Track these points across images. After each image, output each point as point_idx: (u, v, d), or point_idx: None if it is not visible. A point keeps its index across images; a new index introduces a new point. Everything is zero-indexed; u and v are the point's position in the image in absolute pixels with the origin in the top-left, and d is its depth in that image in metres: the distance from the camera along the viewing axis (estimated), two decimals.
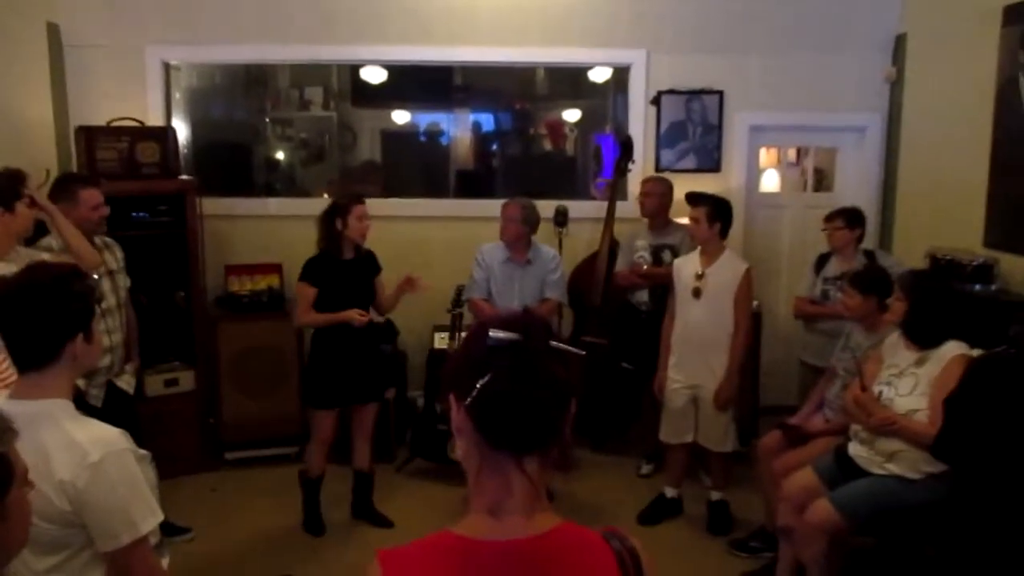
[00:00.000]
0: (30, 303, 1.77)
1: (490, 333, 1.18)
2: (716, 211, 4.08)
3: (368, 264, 4.20)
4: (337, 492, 4.55)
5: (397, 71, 6.16)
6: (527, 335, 1.18)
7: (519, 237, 4.46)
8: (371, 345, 4.21)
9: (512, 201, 4.53)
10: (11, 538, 1.31)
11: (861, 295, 3.62)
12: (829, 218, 4.50)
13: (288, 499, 4.52)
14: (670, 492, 4.40)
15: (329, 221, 4.05)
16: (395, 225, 5.48)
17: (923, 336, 3.19)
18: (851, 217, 4.45)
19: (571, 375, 1.20)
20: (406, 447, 5.07)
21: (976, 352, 3.06)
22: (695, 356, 4.15)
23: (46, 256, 3.25)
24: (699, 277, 4.10)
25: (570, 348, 1.21)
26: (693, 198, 4.23)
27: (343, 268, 4.06)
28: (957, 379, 3.03)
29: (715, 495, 4.33)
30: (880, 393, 3.22)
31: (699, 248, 4.20)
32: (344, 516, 4.35)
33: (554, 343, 1.20)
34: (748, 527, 4.14)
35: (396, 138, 8.31)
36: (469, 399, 1.16)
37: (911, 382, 3.15)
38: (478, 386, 1.15)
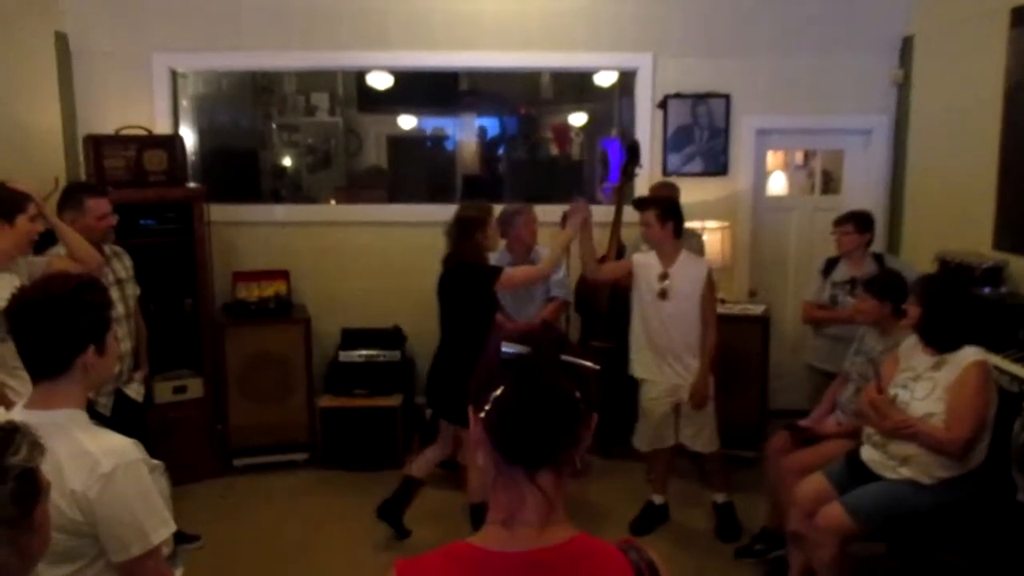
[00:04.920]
0: (42, 314, 1.77)
1: (502, 346, 1.18)
2: (665, 212, 4.06)
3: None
4: (346, 502, 4.57)
5: (403, 77, 6.18)
6: (537, 349, 1.19)
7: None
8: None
9: (523, 207, 4.52)
10: (35, 548, 1.35)
11: (876, 300, 3.61)
12: (839, 222, 4.48)
13: (297, 506, 4.54)
14: (657, 499, 4.36)
15: (468, 234, 3.96)
16: (401, 231, 5.49)
17: (939, 340, 3.18)
18: (861, 221, 4.43)
19: (587, 389, 1.20)
20: (413, 454, 5.06)
21: (993, 357, 3.05)
22: (671, 358, 4.10)
23: (43, 263, 3.26)
24: (663, 277, 4.08)
25: (583, 362, 1.21)
26: (641, 203, 4.25)
27: None
28: (974, 385, 3.02)
29: (720, 497, 4.30)
30: (896, 396, 3.20)
31: (655, 250, 4.15)
32: (357, 525, 4.34)
33: (566, 357, 1.20)
34: (755, 531, 4.11)
35: (402, 143, 8.35)
36: (483, 412, 1.17)
37: (928, 386, 3.13)
38: (491, 399, 1.16)
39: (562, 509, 1.22)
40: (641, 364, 4.19)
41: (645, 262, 4.18)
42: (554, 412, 1.16)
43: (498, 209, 4.64)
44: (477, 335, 3.80)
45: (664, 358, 4.12)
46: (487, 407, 1.17)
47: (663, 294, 4.08)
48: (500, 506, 1.21)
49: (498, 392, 1.16)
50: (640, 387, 4.23)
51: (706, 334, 4.08)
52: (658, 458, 4.31)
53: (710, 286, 4.10)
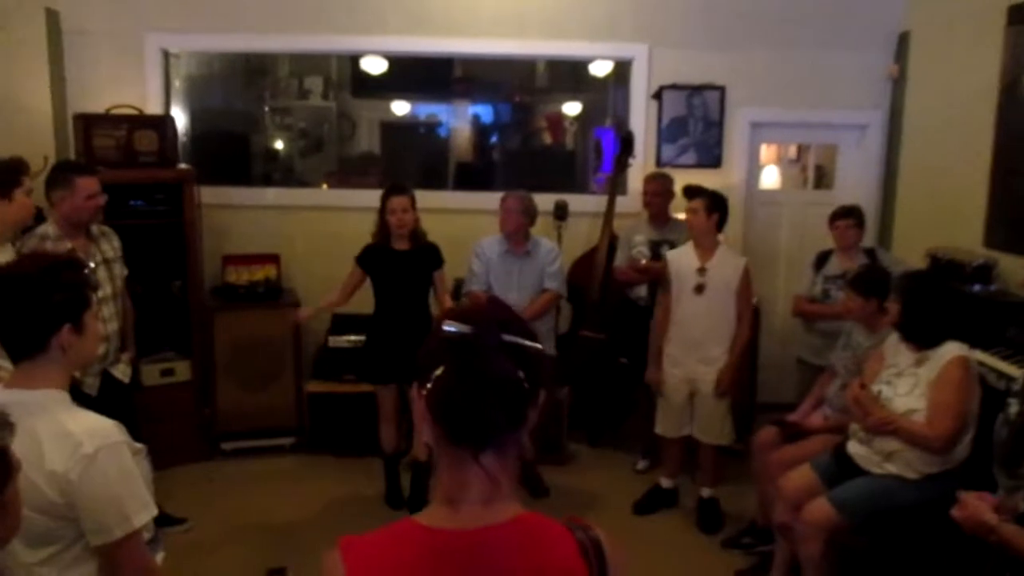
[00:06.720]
0: (12, 294, 1.75)
1: (444, 325, 1.17)
2: (714, 203, 4.09)
3: (426, 256, 4.35)
4: (333, 488, 4.57)
5: (397, 62, 6.13)
6: (479, 327, 1.17)
7: (519, 228, 4.46)
8: (426, 324, 4.22)
9: (511, 193, 4.53)
10: (6, 529, 1.34)
11: (862, 297, 3.61)
12: (840, 216, 4.45)
13: (283, 490, 4.53)
14: (666, 483, 4.43)
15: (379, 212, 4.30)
16: None
17: (919, 336, 3.18)
18: (861, 216, 4.45)
19: (533, 368, 1.17)
20: (405, 438, 5.05)
21: (976, 353, 3.05)
22: (693, 350, 4.17)
23: (33, 241, 3.24)
24: (701, 272, 4.10)
25: (527, 342, 1.18)
26: (691, 191, 4.26)
27: (395, 258, 4.27)
28: (955, 381, 3.03)
29: (706, 492, 4.33)
30: (879, 392, 3.21)
31: (692, 242, 4.19)
32: (343, 510, 4.34)
33: (507, 337, 1.17)
34: (742, 523, 4.13)
35: (395, 129, 8.30)
36: (425, 391, 1.16)
37: (910, 382, 3.15)
38: (432, 378, 1.15)
39: (508, 487, 1.21)
40: (666, 351, 4.26)
41: (679, 257, 4.23)
42: (494, 395, 1.14)
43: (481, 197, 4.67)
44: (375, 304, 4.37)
45: (690, 349, 4.17)
46: (429, 386, 1.16)
47: (699, 289, 4.10)
48: (445, 485, 1.20)
49: (438, 372, 1.15)
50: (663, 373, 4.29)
51: (739, 328, 4.13)
52: (673, 444, 4.35)
53: (747, 281, 4.13)
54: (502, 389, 1.15)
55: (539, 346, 1.20)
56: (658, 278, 4.66)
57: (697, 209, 4.09)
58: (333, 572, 1.18)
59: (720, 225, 4.14)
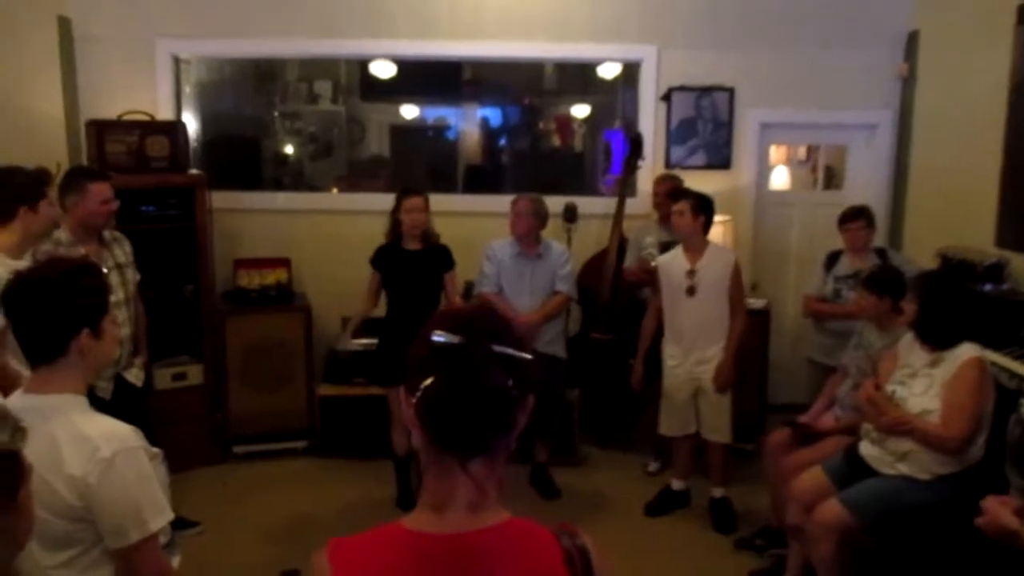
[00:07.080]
0: (34, 297, 1.77)
1: (432, 335, 1.17)
2: (700, 205, 4.10)
3: (437, 257, 4.37)
4: (345, 490, 4.58)
5: (406, 66, 6.15)
6: (470, 337, 1.17)
7: (530, 231, 4.47)
8: None
9: (522, 196, 4.55)
10: (21, 531, 1.34)
11: (875, 296, 3.61)
12: (851, 218, 4.44)
13: (295, 493, 4.55)
14: (677, 484, 4.42)
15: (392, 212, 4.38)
16: None
17: (936, 337, 3.17)
18: (870, 216, 4.44)
19: (522, 376, 1.18)
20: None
21: (988, 353, 3.04)
22: (693, 351, 4.18)
23: (46, 248, 3.26)
24: (691, 274, 4.11)
25: (518, 353, 1.19)
26: (677, 193, 4.29)
27: (406, 258, 4.32)
28: (970, 383, 3.03)
29: (717, 492, 4.33)
30: (893, 392, 3.20)
31: (681, 245, 4.21)
32: (355, 513, 4.35)
33: (498, 348, 1.17)
34: (756, 524, 4.13)
35: (404, 133, 8.32)
36: (415, 399, 1.17)
37: (925, 383, 3.14)
38: (421, 387, 1.15)
39: (495, 494, 1.22)
40: (667, 353, 4.27)
41: (670, 261, 4.24)
42: (484, 406, 1.15)
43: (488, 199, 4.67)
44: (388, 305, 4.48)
45: (687, 350, 4.19)
46: (418, 394, 1.16)
47: (691, 291, 4.11)
48: (432, 491, 1.21)
49: (428, 382, 1.15)
50: (663, 373, 4.29)
51: (733, 322, 4.14)
52: (681, 445, 4.35)
53: (737, 275, 4.16)
54: (492, 400, 1.15)
55: (529, 356, 1.20)
56: None
57: (683, 211, 4.09)
58: (321, 572, 1.20)
59: (706, 227, 4.14)
